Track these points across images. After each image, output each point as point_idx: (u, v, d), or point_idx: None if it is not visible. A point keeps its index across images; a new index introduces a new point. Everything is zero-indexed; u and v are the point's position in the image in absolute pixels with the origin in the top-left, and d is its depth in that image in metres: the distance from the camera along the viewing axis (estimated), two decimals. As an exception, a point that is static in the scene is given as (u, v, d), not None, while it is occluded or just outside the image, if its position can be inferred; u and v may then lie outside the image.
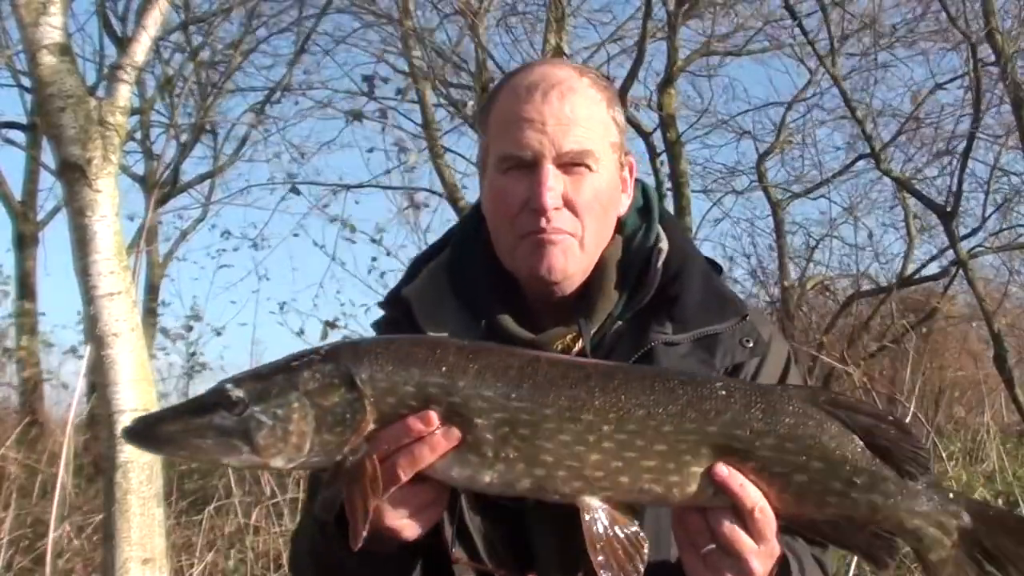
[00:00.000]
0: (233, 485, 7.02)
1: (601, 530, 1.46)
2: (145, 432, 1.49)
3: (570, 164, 1.71)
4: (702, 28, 10.16)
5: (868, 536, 1.51)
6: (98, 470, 6.40)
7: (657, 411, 1.47)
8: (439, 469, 1.47)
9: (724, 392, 1.49)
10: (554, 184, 1.69)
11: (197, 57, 9.19)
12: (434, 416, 1.45)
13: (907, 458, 1.50)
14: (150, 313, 11.58)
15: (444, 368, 1.48)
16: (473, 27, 8.35)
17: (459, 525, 1.71)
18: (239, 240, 10.68)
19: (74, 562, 6.31)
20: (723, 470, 1.47)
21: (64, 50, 4.23)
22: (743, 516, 1.47)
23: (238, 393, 1.46)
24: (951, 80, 10.49)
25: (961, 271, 9.86)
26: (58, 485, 5.37)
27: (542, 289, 1.77)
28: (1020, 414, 9.39)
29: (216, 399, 1.48)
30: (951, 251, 9.83)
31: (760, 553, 1.48)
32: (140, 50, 4.53)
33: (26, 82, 9.59)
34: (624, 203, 1.85)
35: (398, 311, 1.83)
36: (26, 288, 11.98)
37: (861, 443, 1.49)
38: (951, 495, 1.53)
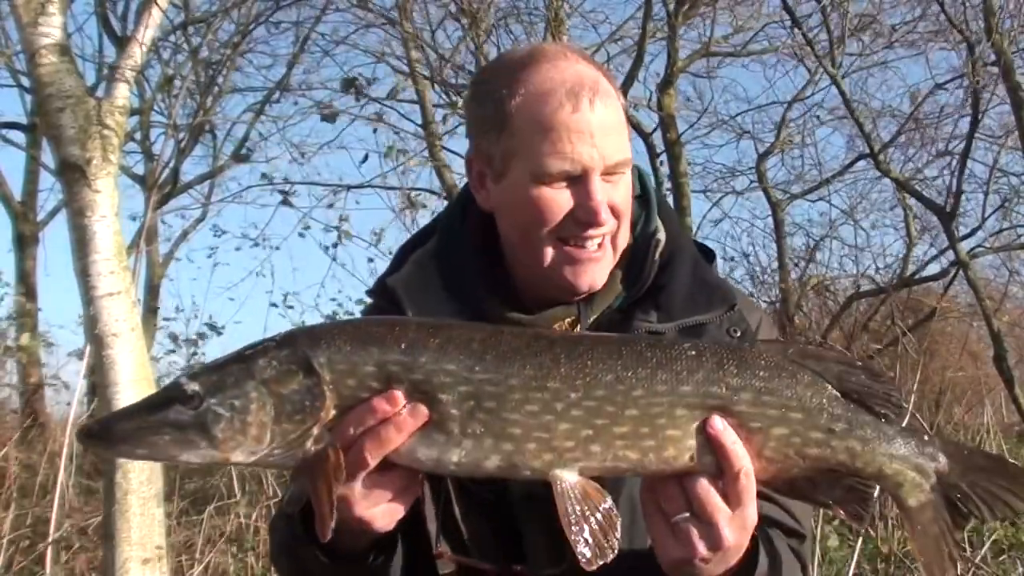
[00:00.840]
0: (235, 485, 7.03)
1: (575, 507, 1.42)
2: (101, 432, 1.45)
3: (611, 173, 1.69)
4: (702, 29, 10.17)
5: (844, 491, 1.49)
6: (98, 470, 6.40)
7: (626, 375, 1.44)
8: (405, 452, 1.43)
9: (694, 352, 1.47)
10: (602, 197, 1.67)
11: (196, 57, 9.18)
12: (399, 396, 1.41)
13: (880, 401, 1.49)
14: (151, 313, 11.58)
15: (404, 345, 1.43)
16: (474, 29, 8.35)
17: (446, 519, 1.69)
18: (240, 240, 10.67)
19: (74, 562, 6.31)
20: (718, 423, 1.44)
21: (63, 50, 4.24)
22: (726, 478, 1.44)
23: (193, 387, 1.43)
24: (950, 80, 10.50)
25: (961, 271, 9.86)
26: (59, 485, 5.38)
27: (561, 293, 1.75)
28: (1020, 414, 9.38)
29: (172, 394, 1.44)
30: (951, 251, 9.83)
31: (733, 520, 1.44)
32: (138, 51, 4.54)
33: (26, 82, 9.59)
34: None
35: (384, 300, 1.80)
36: (26, 288, 11.98)
37: (835, 391, 1.48)
38: (926, 437, 1.53)
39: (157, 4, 4.62)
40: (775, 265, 12.72)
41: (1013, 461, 1.59)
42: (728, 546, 1.45)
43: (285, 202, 9.10)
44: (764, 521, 1.59)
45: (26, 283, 12.06)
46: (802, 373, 1.48)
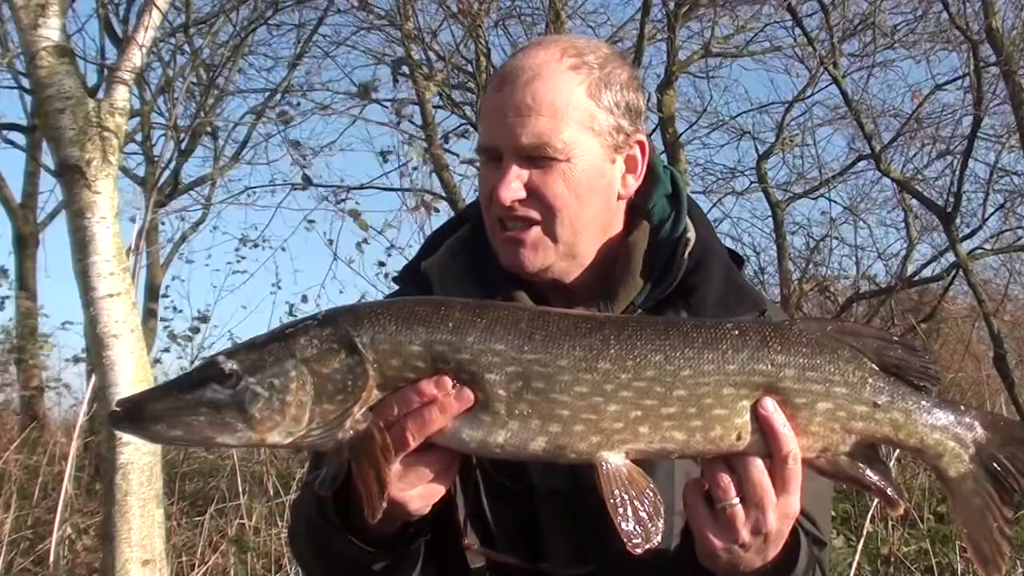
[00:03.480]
0: (237, 486, 7.02)
1: (621, 490, 1.41)
2: (133, 413, 1.40)
3: (532, 156, 1.69)
4: (702, 29, 10.17)
5: (878, 473, 1.50)
6: (99, 471, 6.40)
7: (674, 355, 1.44)
8: (448, 433, 1.41)
9: (737, 332, 1.47)
10: (512, 177, 1.68)
11: (197, 59, 9.18)
12: (448, 381, 1.40)
13: (918, 374, 1.51)
14: (150, 315, 11.57)
15: (451, 324, 1.41)
16: (475, 30, 8.35)
17: (475, 512, 1.69)
18: (241, 239, 10.63)
19: (75, 563, 6.31)
20: (769, 406, 1.44)
21: (62, 52, 4.24)
22: (774, 461, 1.44)
23: (231, 365, 1.40)
24: (951, 81, 10.50)
25: (961, 272, 9.85)
26: (63, 487, 5.38)
27: (529, 280, 1.77)
28: (1020, 415, 9.37)
29: (208, 373, 1.41)
30: (951, 252, 9.82)
31: (779, 507, 1.45)
32: (138, 52, 4.54)
33: (26, 83, 9.58)
34: (630, 184, 1.81)
35: (415, 287, 1.80)
36: (26, 290, 11.97)
37: (875, 365, 1.50)
38: (962, 407, 1.54)
39: (156, 6, 4.62)
40: (775, 266, 12.73)
41: None
42: (770, 530, 1.46)
43: (305, 178, 9.03)
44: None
45: (26, 284, 12.05)
46: (843, 349, 1.49)
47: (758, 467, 1.45)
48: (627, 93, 1.78)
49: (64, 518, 5.98)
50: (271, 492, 7.02)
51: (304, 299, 9.78)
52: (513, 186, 1.68)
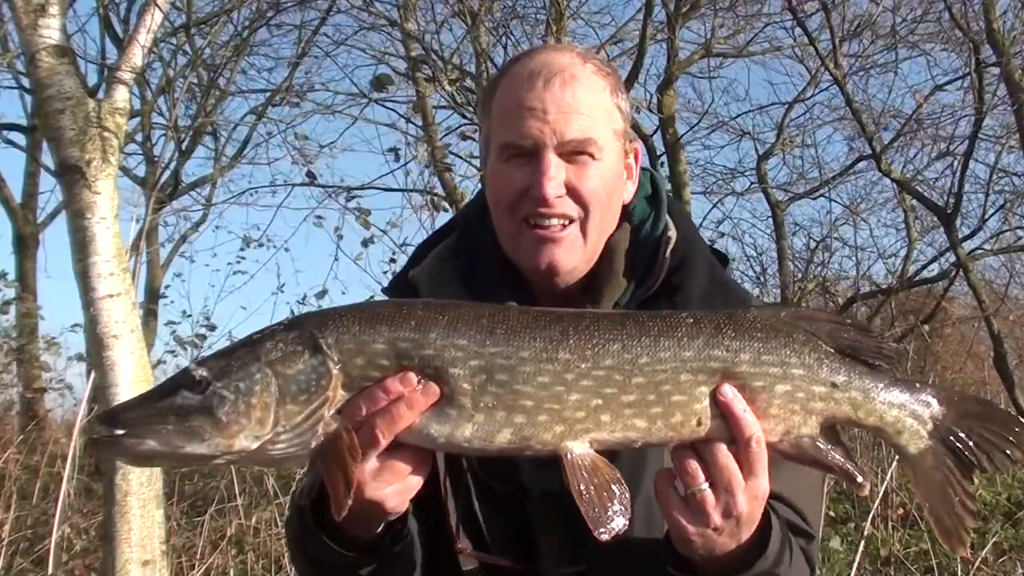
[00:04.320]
0: (236, 486, 7.02)
1: (585, 477, 1.44)
2: (107, 425, 1.43)
3: (572, 152, 1.70)
4: (702, 30, 10.17)
5: (844, 453, 1.51)
6: (99, 471, 6.39)
7: (631, 344, 1.47)
8: (416, 430, 1.44)
9: (692, 320, 1.50)
10: (555, 173, 1.68)
11: (198, 60, 9.19)
12: (413, 377, 1.42)
13: (872, 354, 1.53)
14: (151, 315, 11.56)
15: (413, 322, 1.45)
16: (474, 30, 8.35)
17: (467, 516, 1.71)
18: (244, 240, 10.59)
19: (74, 563, 6.31)
20: (728, 392, 1.46)
21: (62, 52, 4.24)
22: (738, 446, 1.46)
23: (201, 372, 1.43)
24: (950, 81, 10.51)
25: (962, 272, 9.85)
26: (63, 487, 5.38)
27: (543, 281, 1.77)
28: (1021, 416, 9.37)
29: (180, 381, 1.45)
30: (952, 252, 9.82)
31: (748, 490, 1.46)
32: (138, 52, 4.54)
33: (26, 83, 9.59)
34: (629, 190, 1.83)
35: (405, 295, 1.80)
36: (26, 290, 11.98)
37: (830, 347, 1.52)
38: (918, 385, 1.56)
39: (157, 6, 4.62)
40: (776, 266, 12.73)
41: (1004, 408, 1.61)
42: (740, 513, 1.47)
43: (310, 175, 9.01)
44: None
45: (26, 285, 12.05)
46: (797, 332, 1.52)
47: (723, 451, 1.46)
48: (627, 101, 1.82)
49: (64, 518, 5.97)
50: (271, 493, 7.02)
51: (303, 301, 9.76)
52: (557, 180, 1.69)
